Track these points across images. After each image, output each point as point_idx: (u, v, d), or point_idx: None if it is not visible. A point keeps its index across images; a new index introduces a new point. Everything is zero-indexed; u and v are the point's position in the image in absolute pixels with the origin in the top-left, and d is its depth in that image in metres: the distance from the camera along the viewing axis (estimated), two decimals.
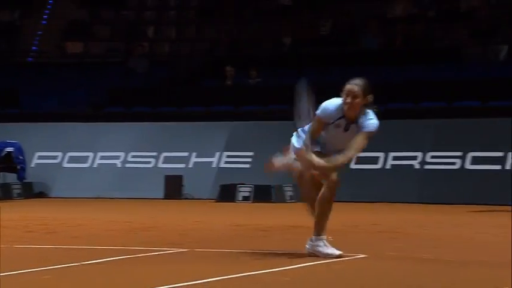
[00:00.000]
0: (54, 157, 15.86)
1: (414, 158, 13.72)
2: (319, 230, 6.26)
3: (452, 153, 13.69)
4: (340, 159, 6.30)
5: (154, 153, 15.47)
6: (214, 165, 15.14)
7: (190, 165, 15.22)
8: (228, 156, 15.16)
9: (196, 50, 19.78)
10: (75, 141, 15.82)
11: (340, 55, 17.59)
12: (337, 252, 6.14)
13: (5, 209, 10.67)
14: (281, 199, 13.74)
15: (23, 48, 20.47)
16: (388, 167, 13.95)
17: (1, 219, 9.05)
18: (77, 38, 20.32)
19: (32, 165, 15.71)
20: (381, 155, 14.02)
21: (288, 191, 14.00)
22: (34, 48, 20.56)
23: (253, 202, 13.66)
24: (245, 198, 13.84)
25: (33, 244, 7.28)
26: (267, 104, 16.26)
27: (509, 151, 13.43)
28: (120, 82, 18.37)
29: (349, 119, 6.29)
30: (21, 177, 15.29)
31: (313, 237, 6.29)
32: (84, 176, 15.49)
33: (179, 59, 19.34)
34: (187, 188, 14.77)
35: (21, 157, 15.36)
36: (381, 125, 16.92)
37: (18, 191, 15.03)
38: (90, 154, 15.74)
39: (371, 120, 6.26)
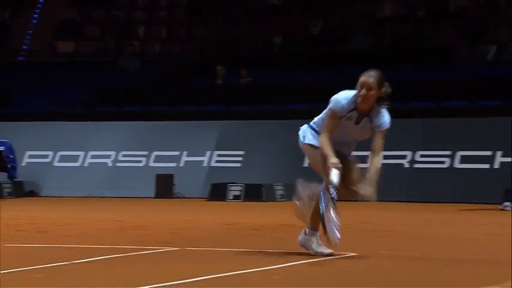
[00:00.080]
0: (45, 156, 15.85)
1: (403, 157, 13.79)
2: (314, 225, 6.27)
3: (442, 152, 13.77)
4: (374, 172, 6.15)
5: (145, 152, 15.48)
6: (205, 164, 15.17)
7: (181, 164, 15.25)
8: (219, 155, 15.19)
9: (187, 50, 19.80)
10: (66, 140, 15.82)
11: (330, 55, 17.65)
12: (327, 251, 6.16)
13: None
14: (272, 198, 13.79)
15: (14, 47, 20.44)
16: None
17: None
18: (68, 37, 20.31)
19: (23, 164, 15.70)
20: (370, 154, 14.05)
21: (279, 190, 14.06)
22: (25, 47, 20.53)
23: (244, 201, 13.70)
24: (236, 197, 13.88)
25: (24, 243, 7.28)
26: (258, 104, 16.31)
27: (498, 150, 13.53)
28: (111, 81, 18.37)
29: (361, 112, 6.10)
30: (11, 176, 15.27)
31: (307, 230, 6.30)
32: (75, 175, 15.49)
33: (170, 59, 19.36)
34: (178, 187, 14.79)
35: (11, 156, 15.34)
36: None
37: (8, 190, 15.02)
38: (81, 153, 15.74)
39: (386, 117, 6.10)
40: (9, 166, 15.27)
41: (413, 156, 13.64)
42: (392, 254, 6.17)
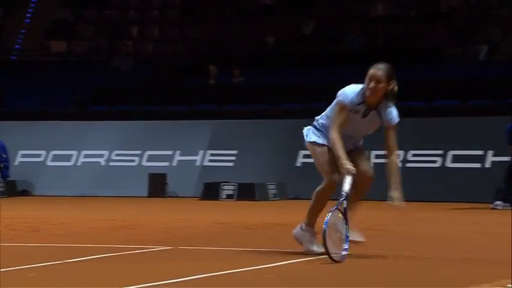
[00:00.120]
0: (38, 155, 15.84)
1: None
2: (309, 221, 6.27)
3: (433, 152, 13.82)
4: (398, 175, 6.08)
5: (138, 152, 15.49)
6: (198, 164, 15.19)
7: (174, 164, 15.27)
8: (212, 155, 15.21)
9: (180, 50, 19.82)
10: (59, 139, 15.82)
11: (322, 55, 17.69)
12: (319, 251, 6.18)
13: None
14: (264, 197, 13.82)
15: (7, 46, 20.41)
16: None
17: None
18: (61, 36, 20.29)
19: (16, 164, 15.69)
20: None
21: (272, 189, 14.09)
22: (17, 46, 20.50)
23: (236, 200, 13.73)
24: (229, 196, 13.90)
25: (17, 242, 7.27)
26: (250, 103, 16.34)
27: (489, 149, 13.61)
28: (104, 81, 18.38)
29: (369, 105, 6.03)
30: (4, 176, 15.26)
31: (303, 226, 6.29)
32: (67, 174, 15.48)
33: (162, 58, 19.38)
34: (171, 186, 14.81)
35: (4, 155, 15.33)
36: None
37: (1, 189, 15.01)
38: (74, 152, 15.74)
39: (394, 112, 6.03)
40: (1, 165, 15.25)
41: (405, 156, 13.68)
42: (384, 253, 6.19)
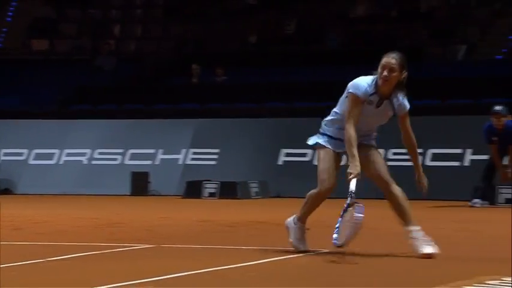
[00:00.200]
0: (20, 154, 15.80)
1: None
2: (301, 217, 6.26)
3: None
4: (418, 155, 6.12)
5: (120, 150, 15.50)
6: (180, 162, 15.22)
7: (157, 162, 15.29)
8: (194, 153, 15.25)
9: (163, 48, 19.83)
10: (41, 138, 15.79)
11: (304, 54, 17.78)
12: (302, 248, 6.21)
13: None
14: (246, 195, 13.87)
15: None
16: None
17: None
18: (43, 35, 20.24)
19: None
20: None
21: (254, 188, 14.15)
22: None
23: (219, 198, 13.76)
24: (211, 195, 13.94)
25: None
26: (233, 102, 16.40)
27: (468, 148, 13.75)
28: (87, 80, 18.35)
29: (382, 95, 5.93)
30: None
31: (295, 219, 6.29)
32: (50, 172, 15.46)
33: (145, 57, 19.39)
34: (153, 185, 14.83)
35: None
36: None
37: None
38: (57, 151, 15.72)
39: (406, 100, 5.99)
40: None
41: (386, 154, 13.78)
42: (365, 251, 6.25)
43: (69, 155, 15.65)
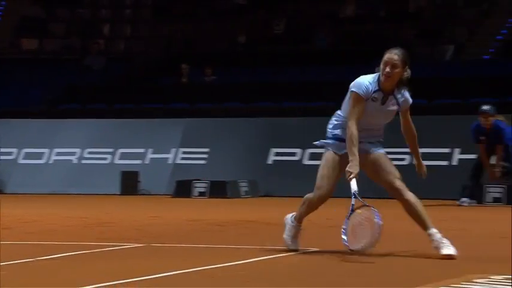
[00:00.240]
0: (10, 153, 15.77)
1: None
2: (298, 217, 6.25)
3: (401, 150, 13.97)
4: (417, 147, 6.20)
5: (110, 150, 15.50)
6: (170, 162, 15.24)
7: (147, 162, 15.30)
8: (184, 153, 15.27)
9: (152, 48, 19.85)
10: (30, 137, 15.77)
11: (293, 54, 17.83)
12: (292, 247, 6.22)
13: None
14: (236, 194, 13.91)
15: None
16: None
17: None
18: (32, 34, 20.22)
19: None
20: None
21: (243, 187, 14.18)
22: None
23: (209, 198, 13.79)
24: (201, 194, 13.97)
25: None
26: (222, 102, 16.43)
27: (456, 147, 13.84)
28: (76, 79, 18.34)
29: (386, 91, 5.92)
30: None
31: (293, 217, 6.28)
32: (39, 172, 15.45)
33: (135, 57, 19.40)
34: (143, 184, 14.84)
35: None
36: None
37: None
38: (46, 150, 15.70)
39: (408, 94, 6.00)
40: None
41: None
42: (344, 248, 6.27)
43: (58, 154, 15.64)
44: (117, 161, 15.38)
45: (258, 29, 19.23)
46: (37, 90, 17.81)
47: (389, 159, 6.16)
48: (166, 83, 18.03)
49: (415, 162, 6.36)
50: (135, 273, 5.12)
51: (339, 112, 6.18)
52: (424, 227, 5.96)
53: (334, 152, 6.04)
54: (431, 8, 18.67)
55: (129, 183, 14.79)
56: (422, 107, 14.84)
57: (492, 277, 4.93)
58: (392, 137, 6.34)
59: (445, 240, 5.87)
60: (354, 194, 5.86)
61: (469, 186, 12.28)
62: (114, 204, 12.59)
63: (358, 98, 5.89)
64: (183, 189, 14.04)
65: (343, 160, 5.99)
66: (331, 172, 6.01)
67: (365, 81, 5.93)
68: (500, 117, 12.26)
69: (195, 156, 15.20)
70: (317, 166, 15.59)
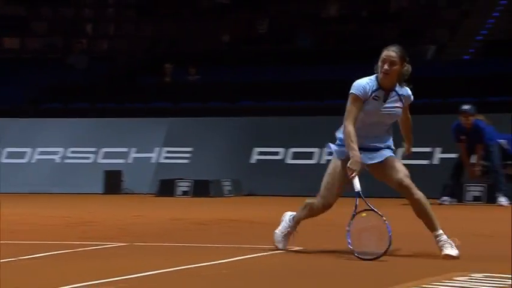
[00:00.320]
0: None
1: None
2: (296, 217, 6.22)
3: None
4: (409, 146, 6.15)
5: (93, 149, 15.48)
6: (153, 161, 15.24)
7: (130, 161, 15.29)
8: (167, 152, 15.27)
9: (135, 47, 19.83)
10: (13, 136, 15.71)
11: (276, 53, 17.89)
12: (279, 246, 6.22)
13: None
14: (219, 194, 13.93)
15: None
16: (323, 161, 14.29)
17: None
18: (14, 33, 20.13)
19: None
20: (316, 150, 14.36)
21: (226, 186, 14.21)
22: None
23: (192, 197, 13.80)
24: (184, 193, 13.98)
25: None
26: (206, 101, 16.46)
27: (437, 146, 13.94)
28: (59, 78, 18.29)
29: (386, 89, 5.88)
30: None
31: (292, 219, 6.24)
32: (22, 171, 15.39)
33: (118, 56, 19.37)
34: (126, 183, 14.83)
35: None
36: (317, 121, 17.21)
37: None
38: (28, 150, 15.65)
39: (409, 91, 5.96)
40: None
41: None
42: (337, 248, 6.31)
43: (41, 153, 15.60)
44: (100, 160, 15.36)
45: (241, 29, 19.27)
46: (19, 90, 17.74)
47: (398, 159, 6.10)
48: (149, 83, 18.02)
49: (405, 145, 6.30)
50: (118, 272, 5.12)
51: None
52: (432, 227, 5.95)
53: (341, 159, 5.96)
54: (413, 8, 18.79)
55: (112, 183, 14.78)
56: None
57: (473, 275, 4.98)
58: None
59: (450, 242, 5.89)
60: (358, 193, 5.82)
61: (450, 185, 12.37)
62: (97, 204, 12.58)
63: (355, 98, 5.87)
64: (166, 188, 14.05)
65: (346, 165, 5.91)
66: (335, 181, 5.96)
67: (362, 82, 5.92)
68: (481, 117, 12.37)
69: (179, 155, 15.21)
70: (300, 165, 15.71)
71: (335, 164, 6.00)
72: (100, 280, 4.85)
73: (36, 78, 18.02)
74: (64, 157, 15.54)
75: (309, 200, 6.18)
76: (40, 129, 15.80)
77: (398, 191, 6.01)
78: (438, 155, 13.89)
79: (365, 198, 5.86)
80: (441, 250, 5.85)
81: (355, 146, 5.79)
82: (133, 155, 15.35)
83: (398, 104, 5.97)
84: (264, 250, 6.28)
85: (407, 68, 5.94)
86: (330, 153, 6.14)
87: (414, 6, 18.87)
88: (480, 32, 18.79)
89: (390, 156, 6.04)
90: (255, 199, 13.67)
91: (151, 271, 5.23)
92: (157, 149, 15.29)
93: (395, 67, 5.88)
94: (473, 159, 12.41)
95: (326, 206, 6.04)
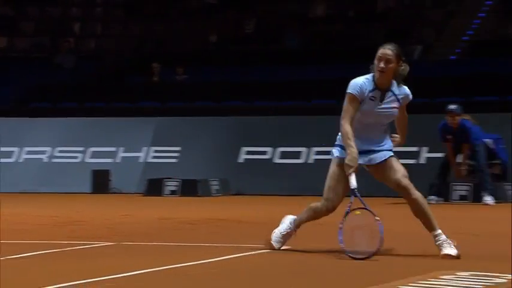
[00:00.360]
0: None
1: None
2: (298, 221, 6.20)
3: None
4: (401, 138, 6.08)
5: (81, 148, 15.46)
6: (141, 160, 15.24)
7: (118, 160, 15.29)
8: (155, 151, 15.28)
9: (123, 47, 19.82)
10: (0, 136, 15.65)
11: (263, 53, 17.93)
12: (275, 246, 6.21)
13: None
14: (207, 193, 13.95)
15: None
16: (310, 161, 14.35)
17: None
18: (2, 32, 20.08)
19: None
20: (303, 149, 14.41)
21: (214, 185, 14.23)
22: None
23: (180, 196, 13.82)
24: (172, 192, 13.99)
25: None
26: (194, 100, 16.48)
27: (424, 146, 14.03)
28: (47, 77, 18.26)
29: (382, 88, 5.86)
30: None
31: (293, 221, 6.24)
32: (9, 171, 15.35)
33: (105, 55, 19.36)
34: (114, 183, 14.83)
35: None
36: (305, 121, 17.20)
37: None
38: (16, 149, 15.62)
39: (407, 89, 5.94)
40: None
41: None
42: (323, 247, 6.34)
43: (29, 153, 15.57)
44: (88, 160, 15.35)
45: (228, 29, 19.30)
46: (7, 89, 17.69)
47: (397, 159, 6.07)
48: (137, 82, 18.02)
49: (398, 138, 6.24)
50: (105, 272, 5.13)
51: None
52: (431, 227, 5.94)
53: (338, 157, 5.94)
54: (399, 8, 18.88)
55: (100, 182, 14.77)
56: None
57: (459, 274, 5.00)
58: None
59: (450, 241, 5.89)
60: (352, 191, 5.81)
61: (436, 184, 12.45)
62: (85, 203, 12.57)
63: (352, 98, 5.84)
64: (154, 188, 14.05)
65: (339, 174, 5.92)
66: (337, 183, 5.93)
67: (359, 81, 5.88)
68: (467, 117, 12.45)
69: (166, 154, 15.22)
70: (287, 164, 15.71)
71: (335, 166, 5.97)
72: (87, 279, 4.85)
73: (24, 77, 17.98)
74: (52, 156, 15.52)
75: (312, 204, 6.16)
76: (28, 128, 15.76)
77: (397, 191, 6.01)
78: (425, 154, 13.96)
79: (361, 198, 5.85)
80: (440, 250, 5.85)
81: (353, 144, 5.78)
82: (121, 154, 15.34)
83: (395, 105, 5.96)
84: (252, 249, 6.30)
85: (405, 67, 5.94)
86: (333, 155, 6.04)
87: (400, 6, 18.96)
88: (466, 32, 18.91)
89: (390, 156, 6.02)
90: (242, 198, 13.70)
91: (139, 270, 5.24)
92: (145, 148, 15.30)
93: (391, 65, 5.86)
94: (460, 158, 12.49)
95: (330, 209, 6.01)
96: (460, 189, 12.58)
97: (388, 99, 5.92)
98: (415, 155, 13.94)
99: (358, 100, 5.84)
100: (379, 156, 5.98)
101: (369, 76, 5.92)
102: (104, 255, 6.19)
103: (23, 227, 8.41)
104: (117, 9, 20.81)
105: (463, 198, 12.48)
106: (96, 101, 16.82)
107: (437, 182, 12.44)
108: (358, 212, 5.83)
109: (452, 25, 18.77)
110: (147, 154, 15.27)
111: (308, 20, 19.02)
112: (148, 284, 4.92)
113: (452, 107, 12.31)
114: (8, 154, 15.61)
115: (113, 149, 15.38)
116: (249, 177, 14.41)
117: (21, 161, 15.55)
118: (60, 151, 15.55)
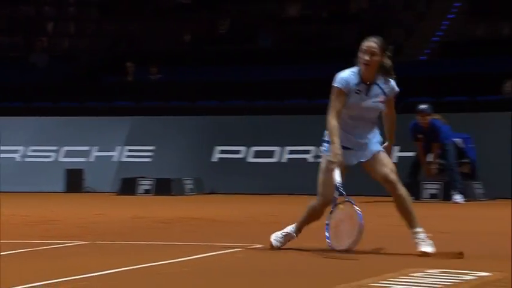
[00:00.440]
0: None
1: (308, 151, 14.24)
2: (298, 227, 6.21)
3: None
4: (390, 144, 6.05)
5: (54, 148, 15.41)
6: (115, 159, 15.22)
7: (92, 159, 15.25)
8: (129, 150, 15.27)
9: (97, 46, 19.75)
10: None
11: (237, 53, 17.98)
12: (275, 242, 6.21)
13: None
14: (181, 192, 13.98)
15: None
16: (284, 160, 14.43)
17: None
18: None
19: None
20: (277, 149, 14.49)
21: (188, 184, 14.27)
22: None
23: (154, 195, 13.83)
24: (146, 191, 14.00)
25: None
26: (168, 100, 16.49)
27: (395, 145, 14.14)
28: (21, 77, 18.15)
29: (367, 81, 5.87)
30: None
31: (294, 227, 6.23)
32: None
33: (80, 55, 19.29)
34: (88, 182, 14.80)
35: None
36: (278, 120, 17.27)
37: None
38: None
39: (393, 82, 5.94)
40: None
41: (316, 151, 14.11)
42: (296, 246, 6.39)
43: (1, 152, 15.47)
44: (62, 159, 15.29)
45: (202, 29, 19.32)
46: None
47: (386, 154, 6.10)
48: (111, 81, 17.98)
49: (387, 142, 6.22)
50: (78, 271, 5.12)
51: None
52: (412, 224, 5.97)
53: (326, 152, 5.95)
54: (371, 9, 19.03)
55: (74, 181, 14.73)
56: None
57: (428, 271, 5.06)
58: None
59: (427, 241, 5.93)
60: (336, 186, 5.82)
61: (407, 183, 12.55)
62: (58, 202, 12.53)
63: (338, 91, 5.85)
64: (128, 187, 14.05)
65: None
66: (328, 177, 5.93)
67: (345, 74, 5.89)
68: (437, 116, 12.60)
69: (140, 154, 15.21)
70: (261, 163, 15.80)
71: (325, 161, 5.99)
72: (60, 279, 4.83)
73: None
74: (25, 155, 15.44)
75: (309, 204, 6.19)
76: (1, 127, 15.67)
77: (383, 186, 6.04)
78: (396, 153, 14.10)
79: (344, 192, 5.88)
80: (417, 246, 5.88)
81: (336, 139, 5.80)
82: (95, 153, 15.31)
83: (381, 98, 5.96)
84: (226, 248, 6.33)
85: (389, 61, 5.95)
86: (323, 151, 6.07)
87: (373, 7, 19.12)
88: (436, 33, 19.11)
89: (378, 151, 6.04)
90: (216, 197, 13.74)
91: (112, 269, 5.25)
92: (119, 147, 15.28)
93: (375, 57, 5.88)
94: (430, 157, 12.63)
95: (326, 203, 6.02)
96: (431, 187, 12.72)
97: (373, 93, 5.92)
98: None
99: (345, 94, 5.85)
100: (367, 153, 6.00)
101: (354, 69, 5.93)
102: (77, 255, 6.18)
103: None
104: (91, 9, 20.74)
105: (433, 196, 12.63)
106: (70, 101, 16.77)
107: (408, 180, 12.56)
108: (342, 206, 5.89)
109: (422, 26, 18.97)
110: (121, 153, 15.25)
111: (282, 20, 19.09)
112: (122, 283, 4.93)
113: (422, 106, 12.46)
114: None
115: (86, 148, 15.34)
116: (223, 177, 14.45)
117: None
118: (34, 150, 15.48)
